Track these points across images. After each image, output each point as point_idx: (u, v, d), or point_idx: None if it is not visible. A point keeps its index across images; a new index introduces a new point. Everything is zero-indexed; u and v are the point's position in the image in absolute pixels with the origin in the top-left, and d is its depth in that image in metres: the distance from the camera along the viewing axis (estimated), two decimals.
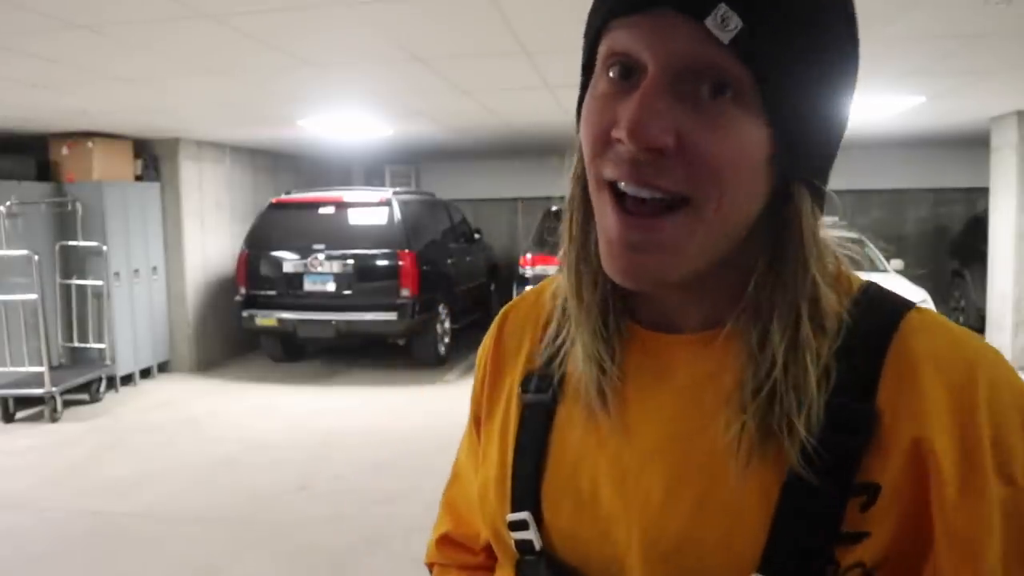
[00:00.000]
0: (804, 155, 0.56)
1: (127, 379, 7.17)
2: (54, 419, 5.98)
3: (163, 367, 7.77)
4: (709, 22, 0.50)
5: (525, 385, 0.69)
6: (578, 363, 0.64)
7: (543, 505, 0.65)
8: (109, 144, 7.11)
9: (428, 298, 7.34)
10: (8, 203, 6.22)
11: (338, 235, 7.26)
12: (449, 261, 8.44)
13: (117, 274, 7.03)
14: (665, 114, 0.52)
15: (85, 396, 6.52)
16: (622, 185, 0.55)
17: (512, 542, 0.66)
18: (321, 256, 7.20)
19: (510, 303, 0.78)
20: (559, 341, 0.67)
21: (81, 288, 6.92)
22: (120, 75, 4.62)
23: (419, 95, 5.77)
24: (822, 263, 0.59)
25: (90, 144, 6.90)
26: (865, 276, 0.64)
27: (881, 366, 0.56)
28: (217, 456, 5.08)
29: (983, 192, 7.95)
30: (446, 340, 7.95)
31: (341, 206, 7.42)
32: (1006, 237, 7.20)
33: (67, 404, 6.30)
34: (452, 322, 8.11)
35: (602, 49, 0.57)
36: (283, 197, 7.76)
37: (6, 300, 6.24)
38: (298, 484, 4.55)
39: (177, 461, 5.01)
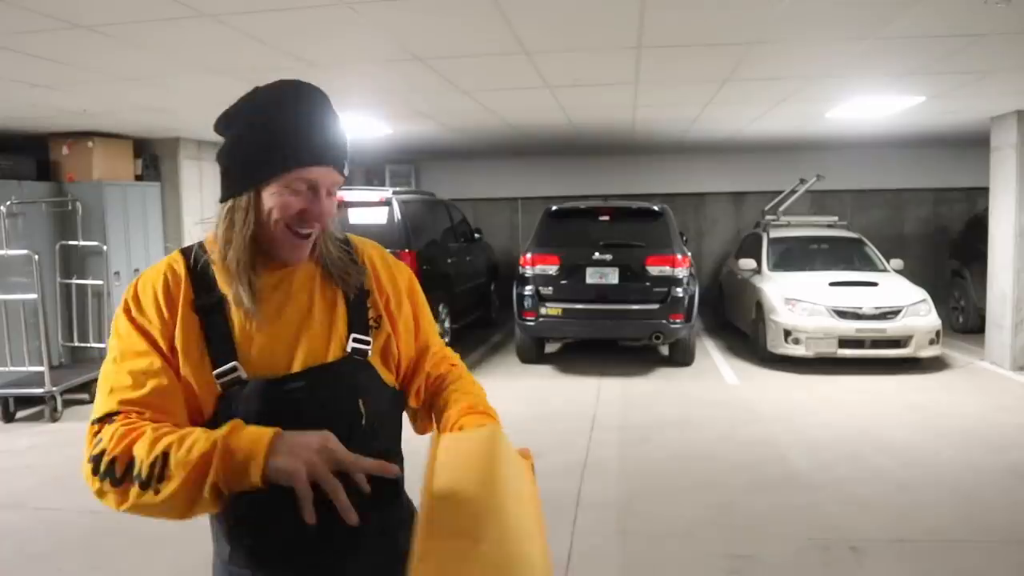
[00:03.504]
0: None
1: None
2: (54, 418, 5.99)
3: None
4: (344, 171, 1.28)
5: (200, 311, 1.25)
6: (234, 291, 1.24)
7: (239, 358, 1.23)
8: (109, 144, 7.11)
9: (428, 298, 7.33)
10: (8, 203, 6.22)
11: None
12: (449, 261, 8.44)
13: (117, 273, 7.03)
14: (327, 208, 1.27)
15: (85, 396, 6.51)
16: (303, 231, 1.26)
17: (218, 386, 1.22)
18: None
19: (139, 286, 1.28)
20: (210, 286, 1.26)
21: (81, 288, 6.93)
22: (121, 75, 4.63)
23: (419, 95, 5.77)
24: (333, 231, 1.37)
25: (90, 144, 6.90)
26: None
27: (353, 250, 1.40)
28: None
29: (983, 192, 7.95)
30: (446, 340, 7.94)
31: (341, 205, 7.38)
32: (1006, 237, 7.20)
33: (67, 403, 6.30)
34: (452, 322, 8.11)
35: (295, 175, 1.22)
36: None
37: (6, 300, 6.24)
38: None
39: None
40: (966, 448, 4.96)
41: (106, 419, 1.18)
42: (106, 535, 3.86)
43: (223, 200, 1.28)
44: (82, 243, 6.83)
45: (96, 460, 1.14)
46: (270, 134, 1.22)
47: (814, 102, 6.40)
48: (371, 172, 11.81)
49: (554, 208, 8.03)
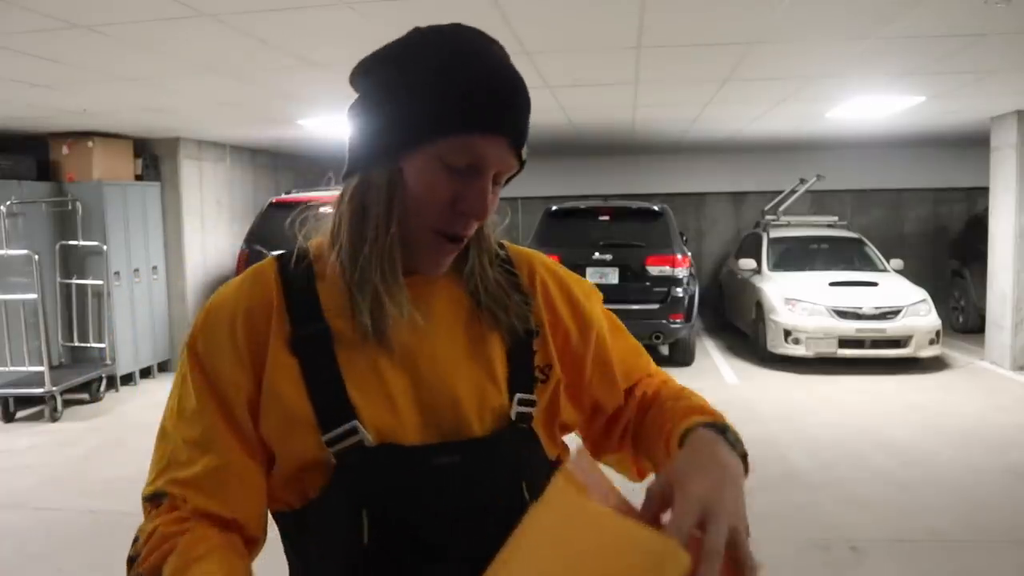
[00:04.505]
0: None
1: (127, 378, 7.17)
2: (54, 419, 5.99)
3: (163, 366, 7.77)
4: (522, 151, 0.88)
5: (295, 346, 0.88)
6: (366, 315, 0.87)
7: (361, 414, 0.86)
8: (109, 144, 7.11)
9: None
10: (8, 203, 6.22)
11: None
12: None
13: (117, 273, 7.03)
14: (491, 200, 0.89)
15: (85, 395, 6.52)
16: (452, 232, 0.88)
17: (331, 455, 0.85)
18: None
19: (212, 310, 0.93)
20: (313, 311, 0.90)
21: (81, 288, 6.93)
22: (121, 75, 4.62)
23: None
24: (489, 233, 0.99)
25: (90, 144, 6.90)
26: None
27: (515, 268, 1.00)
28: None
29: (983, 192, 7.94)
30: None
31: None
32: (1006, 237, 7.19)
33: (67, 404, 6.30)
34: None
35: (454, 142, 0.84)
36: (283, 196, 7.76)
37: (6, 300, 6.24)
38: None
39: None
40: (966, 448, 4.96)
41: (155, 499, 0.90)
42: (106, 535, 3.86)
43: (347, 174, 0.91)
44: (82, 243, 6.82)
45: (130, 564, 0.90)
46: (427, 84, 0.85)
47: (814, 102, 6.40)
48: None
49: (554, 208, 8.03)
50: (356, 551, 0.83)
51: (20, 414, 6.13)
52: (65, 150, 6.95)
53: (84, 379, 6.44)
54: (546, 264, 1.05)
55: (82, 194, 6.83)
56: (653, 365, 1.13)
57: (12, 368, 6.24)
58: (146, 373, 7.48)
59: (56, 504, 4.28)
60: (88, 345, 6.97)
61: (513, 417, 0.92)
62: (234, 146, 8.78)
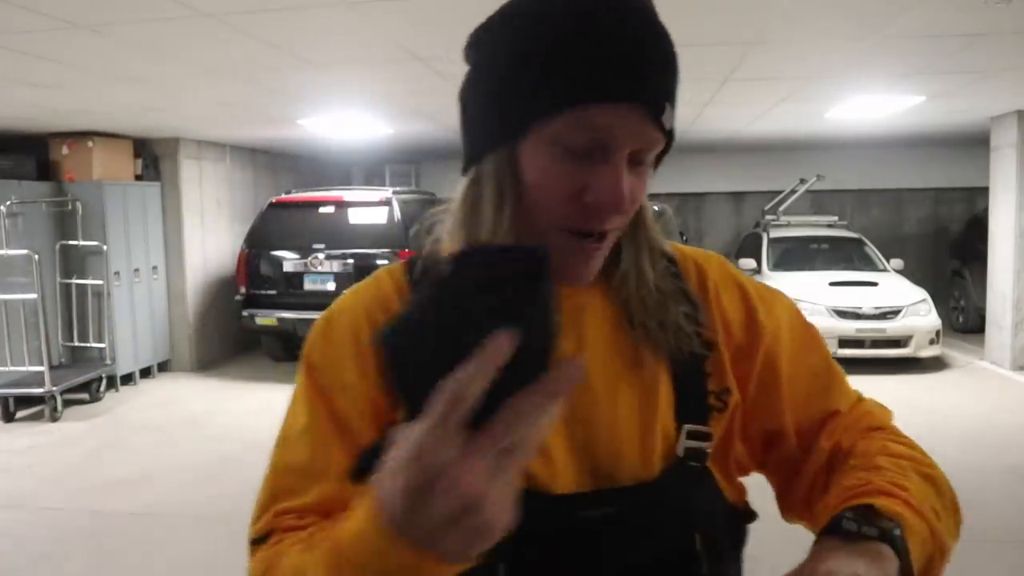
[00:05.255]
0: None
1: (127, 378, 7.17)
2: (54, 418, 5.99)
3: (163, 366, 7.77)
4: (664, 118, 0.68)
5: None
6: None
7: None
8: (109, 143, 7.11)
9: None
10: (8, 203, 6.22)
11: (338, 234, 7.26)
12: None
13: (117, 273, 7.03)
14: (629, 187, 0.69)
15: (85, 395, 6.52)
16: (587, 228, 0.72)
17: None
18: (321, 256, 7.20)
19: (331, 320, 0.79)
20: None
21: (81, 288, 6.93)
22: (121, 75, 4.62)
23: (419, 95, 5.77)
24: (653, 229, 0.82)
25: (90, 143, 6.90)
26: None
27: (680, 275, 0.83)
28: (217, 455, 5.08)
29: (983, 192, 7.95)
30: None
31: (341, 205, 7.42)
32: (1006, 237, 7.20)
33: (67, 403, 6.30)
34: None
35: (571, 117, 0.67)
36: (283, 196, 7.76)
37: (6, 300, 6.24)
38: None
39: (177, 460, 5.01)
40: (966, 448, 4.96)
41: (261, 542, 0.73)
42: (106, 535, 3.86)
43: (465, 169, 0.77)
44: (82, 243, 6.83)
45: None
46: (528, 46, 0.68)
47: (814, 102, 6.40)
48: (371, 172, 11.81)
49: None
50: None
51: (20, 414, 6.13)
52: (65, 150, 6.95)
53: (84, 379, 6.44)
54: (722, 266, 0.87)
55: (82, 194, 6.84)
56: (852, 398, 0.89)
57: (12, 368, 6.24)
58: (146, 373, 7.48)
59: (56, 504, 4.28)
60: (88, 345, 6.97)
61: (681, 453, 0.77)
62: (234, 146, 8.78)
